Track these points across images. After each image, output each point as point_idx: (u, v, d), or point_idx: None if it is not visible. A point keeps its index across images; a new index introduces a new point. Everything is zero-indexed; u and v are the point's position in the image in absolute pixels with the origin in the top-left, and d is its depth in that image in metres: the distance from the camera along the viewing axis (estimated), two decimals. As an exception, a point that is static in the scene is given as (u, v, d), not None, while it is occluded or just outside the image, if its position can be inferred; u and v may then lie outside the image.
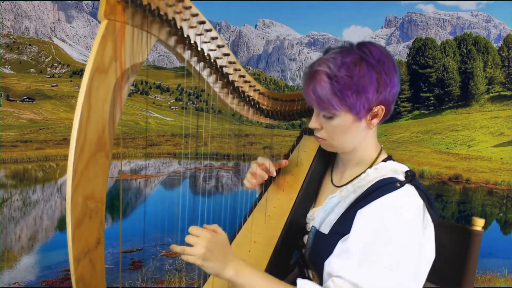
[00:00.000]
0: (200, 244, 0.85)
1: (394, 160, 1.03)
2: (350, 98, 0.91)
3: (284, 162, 1.19)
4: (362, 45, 0.94)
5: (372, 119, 0.96)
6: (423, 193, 0.92)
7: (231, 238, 1.15)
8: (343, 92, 0.90)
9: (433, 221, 0.92)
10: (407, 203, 0.89)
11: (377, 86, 0.92)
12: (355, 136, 0.98)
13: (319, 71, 0.92)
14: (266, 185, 1.23)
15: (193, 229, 0.87)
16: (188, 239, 0.86)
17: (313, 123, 1.00)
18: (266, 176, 1.18)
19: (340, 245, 0.90)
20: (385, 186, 0.92)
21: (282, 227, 1.08)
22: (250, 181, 1.16)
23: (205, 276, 1.10)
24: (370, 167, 1.01)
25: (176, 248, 0.85)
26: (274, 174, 1.17)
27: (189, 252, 0.84)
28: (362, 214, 0.90)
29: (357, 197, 0.97)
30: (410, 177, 0.93)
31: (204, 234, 0.86)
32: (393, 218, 0.87)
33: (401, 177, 0.94)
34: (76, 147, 0.71)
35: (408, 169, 0.98)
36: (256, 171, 1.16)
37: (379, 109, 0.95)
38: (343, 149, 1.02)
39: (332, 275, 0.88)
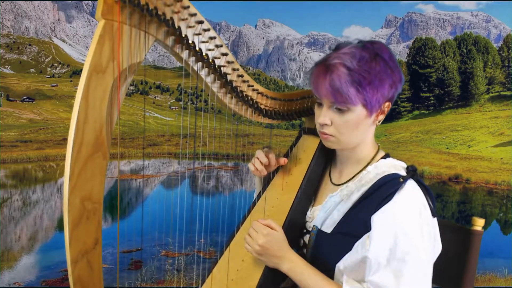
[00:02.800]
0: (256, 241, 0.96)
1: (392, 158, 1.03)
2: (368, 92, 0.92)
3: (283, 160, 1.20)
4: (373, 42, 0.96)
5: (379, 115, 0.98)
6: (424, 188, 0.94)
7: (230, 238, 1.15)
8: (362, 85, 0.91)
9: (433, 214, 0.93)
10: (416, 202, 0.91)
11: (391, 82, 0.94)
12: (363, 131, 0.99)
13: (337, 63, 0.92)
14: (264, 185, 1.23)
15: (255, 224, 0.98)
16: (250, 232, 0.98)
17: (323, 119, 0.98)
18: (267, 165, 1.19)
19: (361, 252, 0.91)
20: (389, 183, 0.93)
21: (281, 227, 1.08)
22: (257, 166, 1.18)
23: (204, 277, 1.10)
24: (370, 164, 1.02)
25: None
26: (273, 163, 1.19)
27: (248, 243, 0.98)
28: (378, 220, 0.91)
29: (362, 195, 0.97)
30: (412, 172, 0.94)
31: (261, 231, 0.96)
32: (409, 222, 0.89)
33: (403, 173, 0.95)
34: (74, 147, 0.71)
35: (406, 165, 0.99)
36: (262, 159, 1.17)
37: (387, 106, 0.97)
38: (348, 145, 1.02)
39: (358, 281, 0.91)
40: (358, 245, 0.93)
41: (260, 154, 1.18)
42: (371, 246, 0.89)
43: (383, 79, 0.92)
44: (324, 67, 0.94)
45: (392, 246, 0.88)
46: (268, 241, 0.95)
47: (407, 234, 0.88)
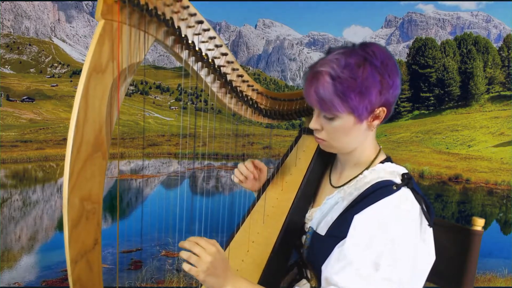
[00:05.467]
0: (205, 258, 0.84)
1: (392, 162, 1.02)
2: (353, 100, 0.89)
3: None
4: (366, 46, 0.93)
5: (373, 120, 0.96)
6: (420, 196, 0.91)
7: (230, 238, 1.15)
8: (346, 94, 0.89)
9: (429, 225, 0.91)
10: (403, 207, 0.89)
11: (380, 88, 0.91)
12: (356, 137, 0.97)
13: (322, 71, 0.90)
14: (264, 184, 1.23)
15: (199, 239, 0.87)
16: (193, 248, 0.85)
17: (313, 124, 0.98)
18: (251, 176, 1.23)
19: (337, 251, 0.90)
20: (382, 189, 0.91)
21: (280, 227, 1.08)
22: (238, 176, 1.24)
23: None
24: (367, 168, 1.00)
25: (183, 255, 0.85)
26: (264, 178, 1.24)
27: (194, 262, 0.84)
28: (358, 219, 0.90)
29: (354, 199, 0.96)
30: (407, 180, 0.92)
31: (209, 248, 0.85)
32: (389, 224, 0.87)
33: (398, 180, 0.93)
34: (73, 147, 0.71)
35: (406, 171, 0.96)
36: (241, 170, 1.23)
37: (381, 111, 0.94)
38: (342, 149, 1.01)
39: (329, 282, 0.88)
40: (338, 245, 0.91)
41: (240, 166, 1.25)
42: (346, 243, 0.88)
43: (370, 86, 0.89)
44: (311, 74, 0.93)
45: (367, 246, 0.85)
46: (218, 259, 0.86)
47: (386, 236, 0.85)
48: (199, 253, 0.85)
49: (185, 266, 0.84)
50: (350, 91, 0.89)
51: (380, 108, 0.94)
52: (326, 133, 0.98)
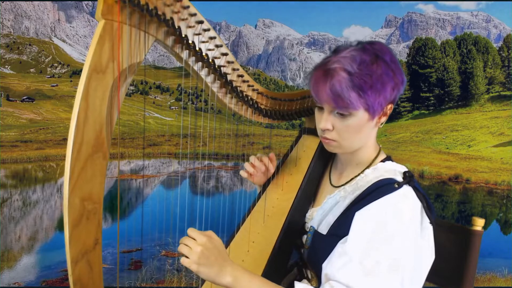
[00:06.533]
0: (195, 248, 0.83)
1: (393, 161, 1.02)
2: (370, 96, 0.90)
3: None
4: (373, 44, 0.94)
5: (381, 117, 0.97)
6: (421, 194, 0.91)
7: (230, 238, 1.15)
8: (364, 90, 0.89)
9: (431, 223, 0.92)
10: (405, 205, 0.89)
11: (393, 84, 0.92)
12: (365, 135, 0.98)
13: (337, 68, 0.90)
14: (265, 185, 1.23)
15: (190, 231, 0.86)
16: (184, 241, 0.85)
17: (325, 124, 0.95)
18: (263, 168, 1.22)
19: (339, 248, 0.90)
20: (383, 187, 0.92)
21: (281, 227, 1.08)
22: (248, 169, 1.22)
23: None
24: (368, 167, 1.01)
25: (179, 248, 0.85)
26: (272, 170, 1.22)
27: (186, 253, 0.84)
28: (359, 216, 0.90)
29: (355, 198, 0.96)
30: (408, 178, 0.92)
31: (200, 238, 0.84)
32: (391, 221, 0.87)
33: (399, 178, 0.93)
34: (74, 147, 0.71)
35: (407, 169, 0.97)
36: (254, 162, 1.21)
37: (389, 108, 0.96)
38: (350, 148, 1.00)
39: (329, 278, 0.87)
40: (340, 242, 0.91)
41: (251, 158, 1.23)
42: (347, 240, 0.88)
43: (385, 82, 0.90)
44: (323, 71, 0.91)
45: (368, 243, 0.85)
46: (209, 248, 0.84)
47: (387, 234, 0.85)
48: (190, 244, 0.84)
49: (181, 259, 0.84)
50: (368, 87, 0.89)
51: (390, 105, 0.95)
52: (337, 132, 0.96)
